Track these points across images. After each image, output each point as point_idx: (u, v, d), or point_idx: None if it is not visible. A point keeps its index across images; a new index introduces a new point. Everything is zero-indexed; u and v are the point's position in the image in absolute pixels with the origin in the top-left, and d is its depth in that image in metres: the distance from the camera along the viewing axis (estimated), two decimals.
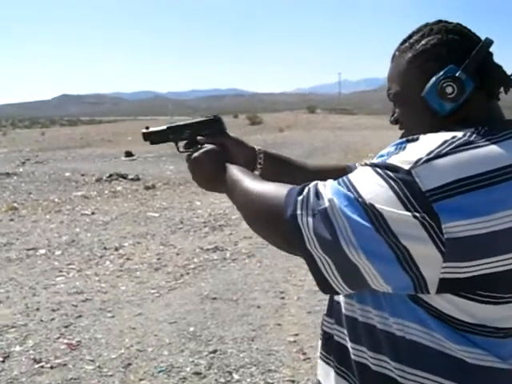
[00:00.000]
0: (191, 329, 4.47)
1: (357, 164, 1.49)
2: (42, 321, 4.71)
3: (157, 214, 9.46)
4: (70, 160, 21.11)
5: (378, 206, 0.90)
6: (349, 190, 0.95)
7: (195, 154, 1.41)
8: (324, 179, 1.04)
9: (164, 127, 1.55)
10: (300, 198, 1.00)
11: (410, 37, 1.15)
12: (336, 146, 22.74)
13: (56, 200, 11.37)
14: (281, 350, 4.08)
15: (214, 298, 5.19)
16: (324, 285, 1.00)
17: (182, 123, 1.54)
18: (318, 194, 0.98)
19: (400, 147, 0.99)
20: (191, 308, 4.96)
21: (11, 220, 9.23)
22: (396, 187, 0.90)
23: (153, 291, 5.47)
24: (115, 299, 5.25)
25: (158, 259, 6.65)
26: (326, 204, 0.95)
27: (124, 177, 14.59)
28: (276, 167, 1.49)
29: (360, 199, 0.92)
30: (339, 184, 0.98)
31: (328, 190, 0.98)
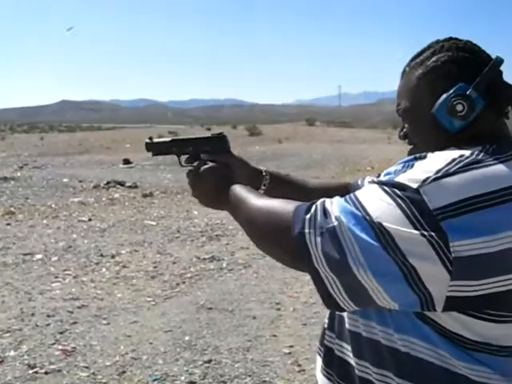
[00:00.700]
0: (186, 338, 4.46)
1: (359, 181, 1.48)
2: (37, 326, 4.70)
3: (154, 223, 9.45)
4: (68, 166, 21.09)
5: (385, 224, 0.90)
6: (356, 207, 0.95)
7: (199, 171, 1.38)
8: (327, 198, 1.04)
9: (168, 139, 1.53)
10: (308, 216, 0.99)
11: (420, 53, 1.15)
12: (334, 158, 22.78)
13: (53, 206, 11.35)
14: (276, 361, 4.08)
15: (210, 308, 5.18)
16: (329, 302, 0.99)
17: (186, 137, 1.52)
18: (325, 212, 0.98)
19: (408, 165, 0.99)
20: (187, 317, 4.95)
21: (8, 224, 9.22)
22: (404, 205, 0.90)
23: (149, 299, 5.46)
24: (111, 306, 5.24)
25: (155, 267, 6.64)
26: (334, 223, 0.95)
27: (122, 184, 14.58)
28: (279, 188, 1.48)
29: (368, 217, 0.92)
30: (346, 201, 0.98)
31: (335, 207, 0.98)
